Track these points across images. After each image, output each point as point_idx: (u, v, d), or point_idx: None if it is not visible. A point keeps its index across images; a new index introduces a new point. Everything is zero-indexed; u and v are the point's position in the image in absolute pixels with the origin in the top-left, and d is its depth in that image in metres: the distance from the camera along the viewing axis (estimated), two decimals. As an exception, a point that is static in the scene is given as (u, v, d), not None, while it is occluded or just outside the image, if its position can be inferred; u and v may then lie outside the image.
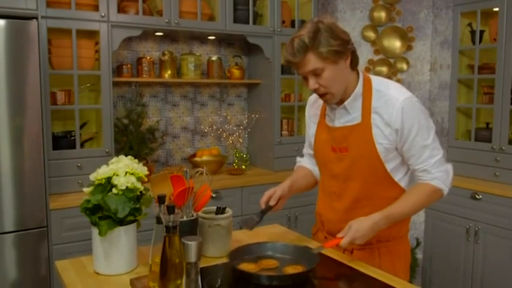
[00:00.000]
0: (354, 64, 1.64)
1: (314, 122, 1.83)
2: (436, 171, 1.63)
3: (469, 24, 3.41)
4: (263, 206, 1.74)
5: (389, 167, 1.65)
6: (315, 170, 1.93)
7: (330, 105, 1.69)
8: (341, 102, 1.67)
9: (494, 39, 3.21)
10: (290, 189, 1.79)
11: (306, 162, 1.98)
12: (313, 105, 1.86)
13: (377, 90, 1.65)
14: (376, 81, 1.68)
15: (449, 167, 1.69)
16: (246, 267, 1.48)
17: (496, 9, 3.16)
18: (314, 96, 1.84)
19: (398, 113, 1.59)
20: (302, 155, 2.03)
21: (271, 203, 1.73)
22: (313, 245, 1.69)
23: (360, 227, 1.56)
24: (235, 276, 1.46)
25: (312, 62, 1.54)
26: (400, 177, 1.68)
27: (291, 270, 1.47)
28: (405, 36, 3.83)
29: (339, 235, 1.58)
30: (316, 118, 1.82)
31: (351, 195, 1.69)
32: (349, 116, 1.67)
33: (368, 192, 1.67)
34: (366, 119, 1.64)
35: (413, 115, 1.60)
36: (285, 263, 1.53)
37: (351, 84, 1.65)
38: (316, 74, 1.56)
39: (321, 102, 1.79)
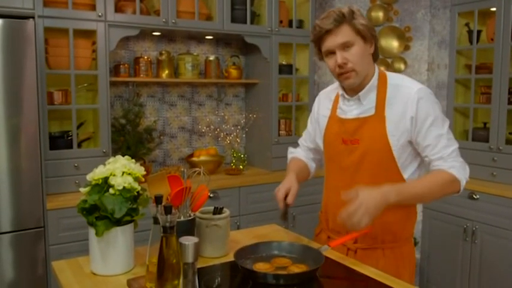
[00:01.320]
0: (375, 55, 1.68)
1: (325, 115, 1.82)
2: (452, 160, 1.61)
3: (467, 24, 3.41)
4: (281, 205, 1.67)
5: (399, 161, 1.64)
6: (310, 164, 1.94)
7: (351, 86, 1.66)
8: (355, 92, 1.68)
9: (492, 39, 3.21)
10: (298, 183, 1.75)
11: (301, 154, 1.97)
12: (325, 99, 1.85)
13: (392, 84, 1.66)
14: (391, 76, 1.70)
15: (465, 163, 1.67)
16: (262, 266, 1.48)
17: (493, 9, 3.17)
18: (326, 90, 1.87)
19: (413, 102, 1.60)
20: (296, 146, 2.02)
21: (290, 201, 1.66)
22: (313, 245, 1.68)
23: (369, 194, 1.48)
24: (239, 274, 1.46)
25: (346, 33, 1.57)
26: (408, 175, 1.67)
27: (296, 269, 1.47)
28: (403, 36, 3.84)
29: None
30: (328, 112, 1.80)
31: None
32: (362, 107, 1.67)
33: (376, 186, 1.65)
34: (380, 111, 1.64)
35: (428, 104, 1.61)
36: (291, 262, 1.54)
37: (369, 74, 1.66)
38: (347, 46, 1.58)
39: (332, 96, 1.80)
